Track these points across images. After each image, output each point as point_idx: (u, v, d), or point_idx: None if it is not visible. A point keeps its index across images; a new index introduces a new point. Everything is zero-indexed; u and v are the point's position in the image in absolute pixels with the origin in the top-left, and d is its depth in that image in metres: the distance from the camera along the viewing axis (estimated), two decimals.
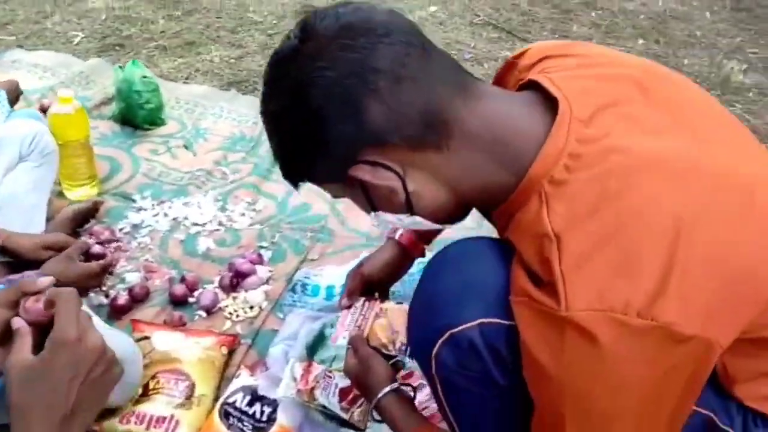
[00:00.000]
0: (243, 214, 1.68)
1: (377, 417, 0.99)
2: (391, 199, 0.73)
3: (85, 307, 0.76)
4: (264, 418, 1.13)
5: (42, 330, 0.67)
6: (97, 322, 1.08)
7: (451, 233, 1.00)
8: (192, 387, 1.15)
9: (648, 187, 0.63)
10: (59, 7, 2.81)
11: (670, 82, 0.77)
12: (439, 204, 0.74)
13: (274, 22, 2.81)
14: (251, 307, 1.41)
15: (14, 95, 1.71)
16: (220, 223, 1.65)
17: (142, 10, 2.85)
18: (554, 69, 0.75)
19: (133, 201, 1.69)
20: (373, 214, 0.78)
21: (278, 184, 1.80)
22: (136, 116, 1.96)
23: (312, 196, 1.75)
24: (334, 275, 1.42)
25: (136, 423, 1.09)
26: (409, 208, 0.74)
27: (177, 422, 1.10)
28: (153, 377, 1.16)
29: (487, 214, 0.81)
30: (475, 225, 1.24)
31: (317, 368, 1.13)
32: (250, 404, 1.15)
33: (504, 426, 0.77)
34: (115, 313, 1.36)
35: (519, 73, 0.81)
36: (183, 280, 1.44)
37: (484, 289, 0.70)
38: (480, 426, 0.78)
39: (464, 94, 0.69)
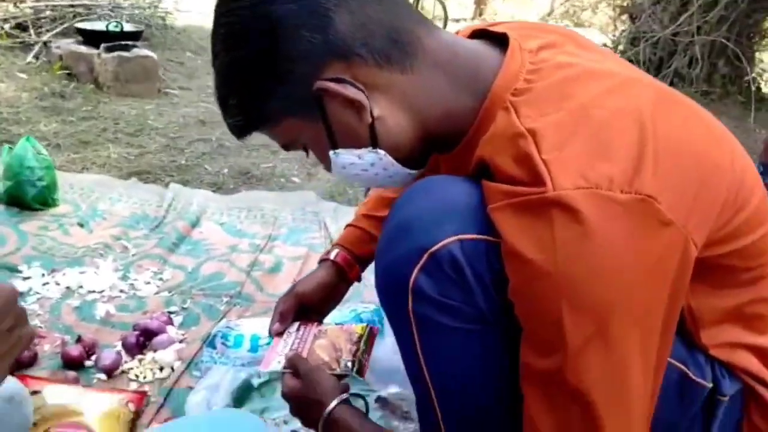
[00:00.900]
0: (148, 283, 1.53)
1: None
2: (354, 128, 0.71)
3: None
4: None
5: None
6: None
7: None
8: None
9: (604, 87, 0.66)
10: None
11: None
12: (403, 135, 0.72)
13: (177, 129, 2.81)
14: (161, 368, 1.23)
15: None
16: (122, 291, 1.48)
17: (33, 115, 2.74)
18: (492, 27, 0.80)
19: (19, 272, 1.49)
20: (332, 153, 0.74)
21: (186, 257, 1.69)
22: (25, 194, 1.79)
23: (225, 266, 1.65)
24: (257, 326, 1.29)
25: None
26: (372, 138, 0.71)
27: None
28: None
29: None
30: None
31: None
32: None
33: (483, 377, 0.70)
34: None
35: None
36: (79, 340, 1.25)
37: (458, 208, 0.67)
38: (457, 377, 0.70)
39: (426, 24, 0.72)
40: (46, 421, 0.97)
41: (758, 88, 4.61)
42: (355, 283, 1.61)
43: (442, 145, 0.76)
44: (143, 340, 1.27)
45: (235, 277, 1.60)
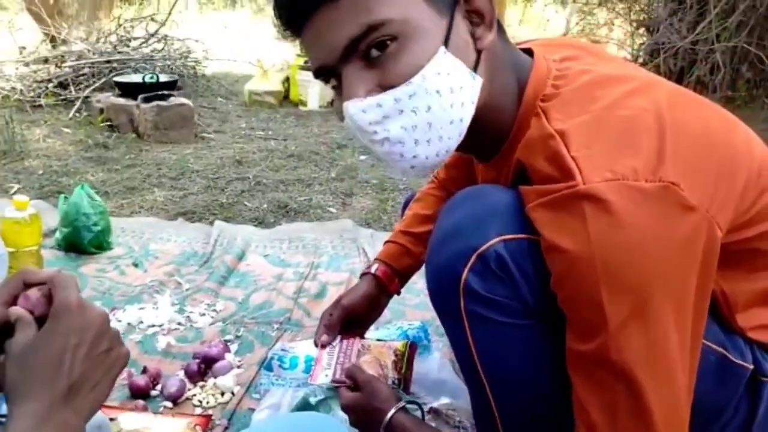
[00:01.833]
0: (203, 314, 1.61)
1: None
2: (465, 48, 0.71)
3: None
4: None
5: (42, 322, 0.61)
6: None
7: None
8: None
9: (625, 90, 0.72)
10: None
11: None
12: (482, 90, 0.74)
13: (215, 170, 2.93)
14: (222, 393, 1.30)
15: None
16: (179, 323, 1.56)
17: (80, 166, 2.90)
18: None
19: None
20: (443, 49, 0.69)
21: (236, 289, 1.77)
22: (82, 240, 1.91)
23: (273, 295, 1.72)
24: (310, 347, 1.35)
25: None
26: (476, 64, 0.72)
27: None
28: None
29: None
30: None
31: None
32: None
33: (534, 368, 0.75)
34: None
35: None
36: (144, 371, 1.32)
37: (499, 211, 0.73)
38: (510, 369, 0.75)
39: None
40: None
41: None
42: (399, 306, 1.68)
43: (482, 142, 0.80)
44: (204, 368, 1.34)
45: (283, 304, 1.67)
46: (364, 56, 0.69)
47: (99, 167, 2.90)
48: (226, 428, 1.20)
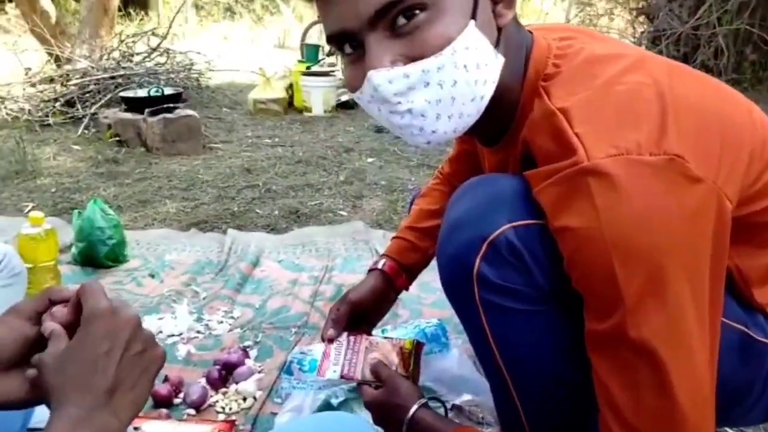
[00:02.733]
0: (221, 322, 1.63)
1: None
2: (488, 25, 0.71)
3: None
4: None
5: (74, 333, 0.62)
6: None
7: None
8: None
9: (622, 66, 0.72)
10: (8, 185, 2.84)
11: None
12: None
13: (225, 179, 2.95)
14: (244, 399, 1.31)
15: None
16: (198, 331, 1.58)
17: (92, 182, 2.92)
18: None
19: None
20: (473, 22, 0.68)
21: (252, 295, 1.78)
22: (98, 254, 1.93)
23: (289, 300, 1.73)
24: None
25: None
26: (497, 41, 0.73)
27: None
28: None
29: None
30: None
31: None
32: None
33: (553, 353, 0.75)
34: None
35: None
36: (166, 379, 1.34)
37: (506, 198, 0.74)
38: (528, 356, 0.76)
39: None
40: None
41: None
42: (415, 305, 1.68)
43: (490, 125, 0.80)
44: (225, 374, 1.35)
45: (300, 308, 1.68)
46: (390, 25, 0.67)
47: (110, 182, 2.92)
48: None
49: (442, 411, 1.24)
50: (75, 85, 4.37)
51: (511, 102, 0.79)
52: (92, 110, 4.02)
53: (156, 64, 4.90)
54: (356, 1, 0.66)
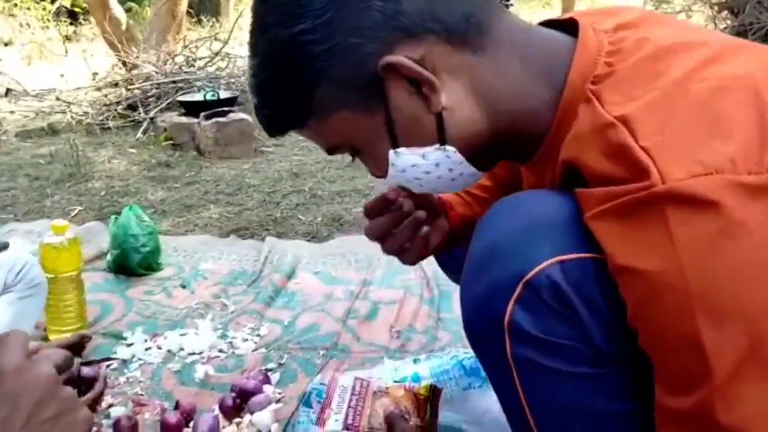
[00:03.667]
0: (246, 340, 1.51)
1: None
2: (419, 121, 0.62)
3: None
4: None
5: None
6: None
7: None
8: None
9: (701, 58, 0.55)
10: (60, 189, 2.87)
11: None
12: (473, 128, 0.63)
13: (272, 183, 2.87)
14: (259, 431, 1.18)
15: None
16: (221, 350, 1.46)
17: (141, 186, 2.91)
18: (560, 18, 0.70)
19: (124, 338, 1.52)
20: (393, 154, 0.64)
21: (283, 310, 1.66)
22: (131, 261, 1.86)
23: (320, 316, 1.60)
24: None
25: None
26: (440, 132, 0.62)
27: None
28: None
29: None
30: None
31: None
32: None
33: (605, 427, 0.57)
34: None
35: None
36: (177, 407, 1.23)
37: (552, 224, 0.57)
38: (573, 429, 0.58)
39: (497, 4, 0.63)
40: None
41: None
42: (457, 328, 1.46)
43: (517, 147, 0.65)
44: (240, 402, 1.23)
45: (330, 327, 1.54)
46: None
47: (159, 186, 2.90)
48: None
49: None
50: (138, 89, 4.45)
51: (537, 120, 0.62)
52: (151, 114, 4.06)
53: (217, 69, 4.93)
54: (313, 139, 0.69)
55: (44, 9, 9.61)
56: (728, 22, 5.09)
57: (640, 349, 0.52)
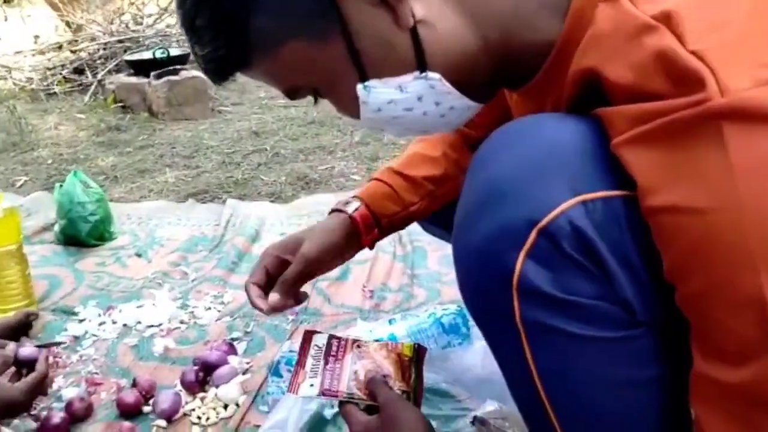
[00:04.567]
0: (209, 308, 1.41)
1: None
2: (389, 41, 0.51)
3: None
4: None
5: None
6: None
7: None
8: None
9: None
10: (3, 158, 2.67)
11: None
12: (460, 46, 0.52)
13: (231, 144, 2.72)
14: (225, 406, 1.09)
15: None
16: (182, 321, 1.36)
17: (91, 152, 2.73)
18: None
19: (75, 314, 1.41)
20: (361, 88, 0.54)
21: (247, 275, 1.55)
22: (80, 231, 1.72)
23: None
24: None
25: None
26: (418, 54, 0.51)
27: None
28: None
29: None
30: None
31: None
32: None
33: (633, 402, 0.49)
34: None
35: None
36: (135, 384, 1.13)
37: (570, 155, 0.46)
38: (594, 405, 0.50)
39: None
40: None
41: None
42: (432, 284, 1.40)
43: (514, 68, 0.55)
44: (203, 376, 1.14)
45: None
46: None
47: (110, 151, 2.72)
48: None
49: (464, 420, 1.01)
50: (83, 51, 4.18)
51: (541, 33, 0.51)
52: (99, 77, 3.82)
53: (167, 26, 4.66)
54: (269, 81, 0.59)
55: None
56: None
57: (676, 308, 0.43)
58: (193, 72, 3.33)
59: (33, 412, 1.09)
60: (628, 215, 0.44)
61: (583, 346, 0.47)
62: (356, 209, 0.86)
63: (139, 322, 1.36)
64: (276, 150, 2.57)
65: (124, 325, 1.35)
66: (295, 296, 0.87)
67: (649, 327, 0.46)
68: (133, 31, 4.41)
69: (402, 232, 1.65)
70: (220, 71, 0.57)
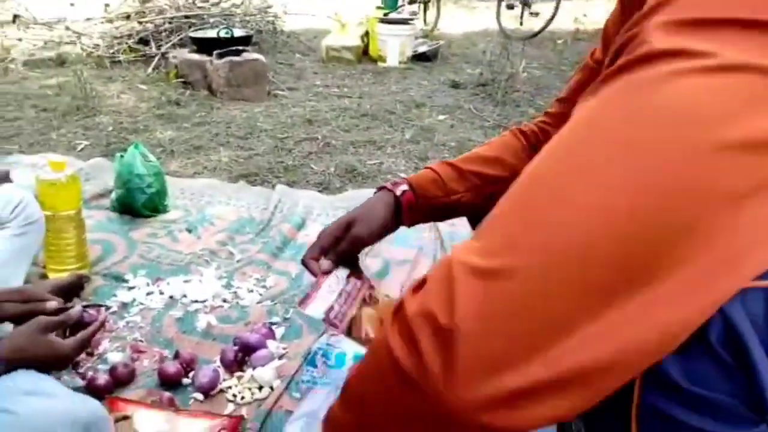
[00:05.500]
0: (251, 291, 1.45)
1: None
2: None
3: None
4: None
5: None
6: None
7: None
8: None
9: None
10: (67, 122, 2.78)
11: None
12: None
13: (284, 129, 2.77)
14: (260, 388, 1.13)
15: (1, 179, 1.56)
16: (225, 300, 1.41)
17: (150, 123, 2.82)
18: None
19: (125, 281, 1.47)
20: None
21: (291, 262, 1.59)
22: (136, 201, 1.79)
23: None
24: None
25: None
26: None
27: None
28: None
29: None
30: None
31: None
32: None
33: None
34: (91, 396, 1.08)
35: None
36: (177, 356, 1.18)
37: None
38: None
39: None
40: None
41: None
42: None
43: None
44: (242, 356, 1.18)
45: None
46: None
47: (169, 125, 2.80)
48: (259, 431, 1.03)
49: None
50: (150, 22, 4.29)
51: None
52: (163, 49, 3.93)
53: (232, 5, 4.75)
54: None
55: None
56: None
57: None
58: (254, 54, 3.39)
59: (80, 371, 1.15)
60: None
61: None
62: (404, 192, 0.90)
63: (185, 296, 1.41)
64: (327, 140, 2.60)
65: (171, 297, 1.41)
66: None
67: None
68: (200, 7, 4.51)
69: (445, 235, 1.67)
70: None
